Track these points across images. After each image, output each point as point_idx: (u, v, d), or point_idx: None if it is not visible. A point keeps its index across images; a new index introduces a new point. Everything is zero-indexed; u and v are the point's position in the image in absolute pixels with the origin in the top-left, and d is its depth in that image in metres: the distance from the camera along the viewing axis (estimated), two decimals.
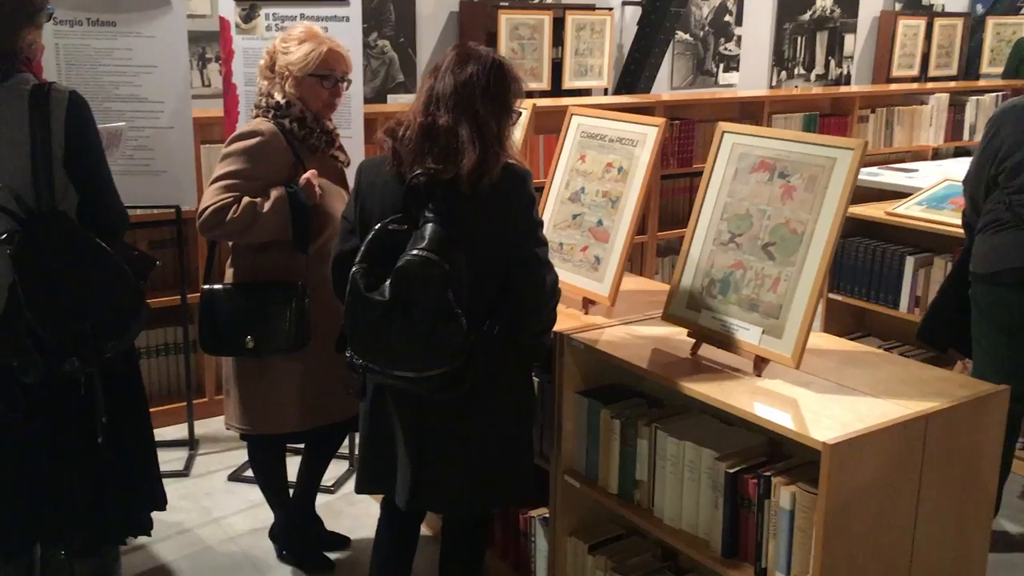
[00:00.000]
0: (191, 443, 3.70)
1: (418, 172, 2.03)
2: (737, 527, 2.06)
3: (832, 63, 8.76)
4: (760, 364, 2.14)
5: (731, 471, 2.05)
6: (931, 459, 1.95)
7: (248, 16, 3.32)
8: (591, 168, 2.66)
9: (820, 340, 2.35)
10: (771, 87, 8.36)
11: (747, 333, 2.15)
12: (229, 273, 2.63)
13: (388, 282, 1.96)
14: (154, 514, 2.55)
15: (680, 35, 7.51)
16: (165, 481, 3.38)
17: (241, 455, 3.64)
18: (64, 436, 2.20)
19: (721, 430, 2.22)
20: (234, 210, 2.41)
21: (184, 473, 3.52)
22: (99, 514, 2.27)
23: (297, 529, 2.91)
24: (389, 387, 2.15)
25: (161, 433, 3.81)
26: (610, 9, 6.94)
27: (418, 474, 2.17)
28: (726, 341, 2.20)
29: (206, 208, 2.43)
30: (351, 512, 3.27)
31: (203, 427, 3.86)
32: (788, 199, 2.14)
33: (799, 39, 8.49)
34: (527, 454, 2.31)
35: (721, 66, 8.04)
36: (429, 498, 2.22)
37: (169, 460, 3.61)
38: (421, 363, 2.02)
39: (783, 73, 8.47)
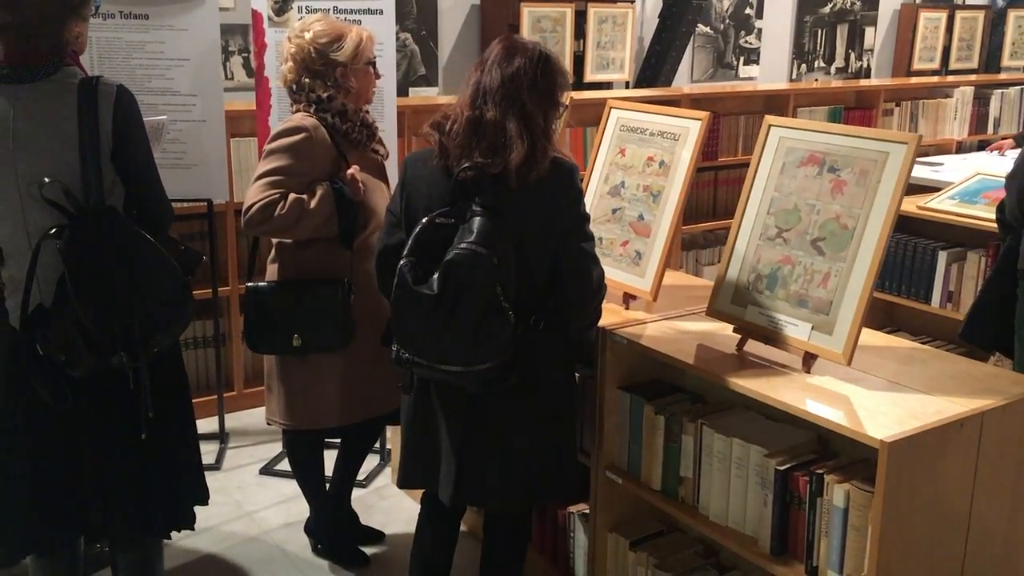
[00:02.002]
0: (222, 436, 3.70)
1: (466, 166, 2.02)
2: (787, 524, 2.04)
3: (852, 56, 8.70)
4: (809, 360, 2.12)
5: (781, 468, 2.03)
6: (985, 457, 1.93)
7: (281, 9, 3.31)
8: (631, 162, 2.63)
9: (865, 336, 2.32)
10: (791, 80, 8.31)
11: (796, 329, 2.13)
12: (272, 270, 2.62)
13: (436, 275, 1.95)
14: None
15: (700, 28, 7.47)
16: None
17: (271, 448, 3.65)
18: (108, 429, 2.20)
19: (767, 427, 2.21)
20: (281, 206, 2.40)
21: (216, 467, 3.52)
22: (142, 508, 2.27)
23: (333, 523, 2.91)
24: (434, 381, 2.14)
25: None
26: (632, 2, 6.90)
27: (462, 469, 2.16)
28: (774, 337, 2.18)
29: (252, 205, 2.42)
30: (384, 506, 3.26)
31: (233, 420, 3.86)
32: (838, 194, 2.11)
33: (819, 32, 8.44)
34: (571, 449, 2.30)
35: (741, 59, 8.00)
36: (473, 493, 2.21)
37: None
38: (468, 357, 2.00)
39: (803, 66, 8.42)
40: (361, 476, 3.34)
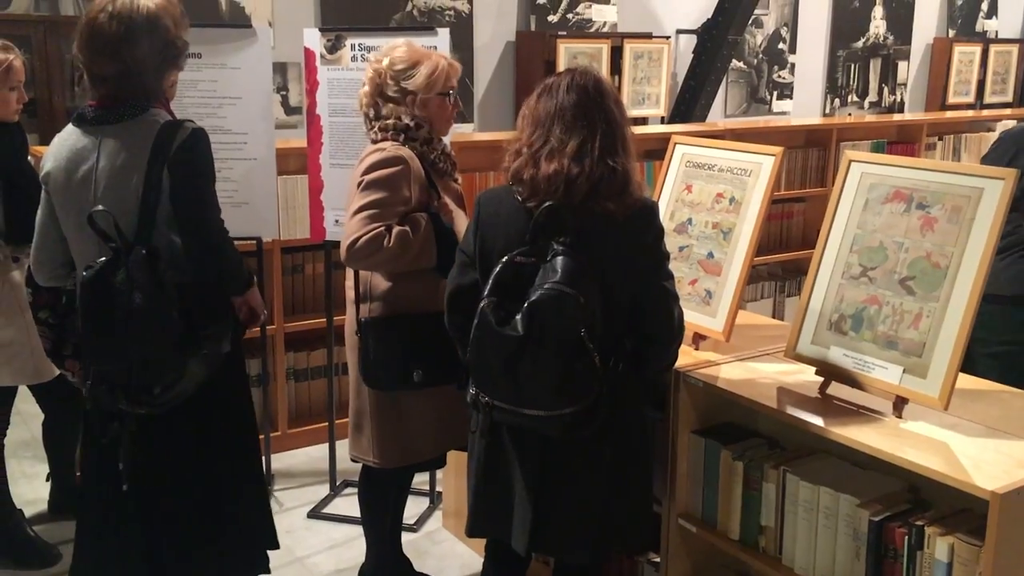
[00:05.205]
0: (267, 478, 3.63)
1: (548, 204, 1.96)
2: None
3: (886, 90, 8.66)
4: (900, 405, 2.03)
5: (876, 519, 1.94)
6: None
7: (334, 47, 3.29)
8: (699, 199, 2.57)
9: None
10: (824, 115, 8.27)
11: (885, 372, 2.04)
12: (372, 307, 2.52)
13: (519, 316, 1.89)
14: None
15: (734, 63, 7.45)
16: None
17: (318, 491, 3.57)
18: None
19: (853, 474, 2.11)
20: (387, 240, 2.34)
21: None
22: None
23: (391, 569, 2.82)
24: (511, 426, 2.06)
25: None
26: (667, 37, 6.89)
27: (538, 516, 2.08)
28: (860, 380, 2.09)
29: (358, 238, 2.33)
30: (437, 552, 3.17)
31: (277, 461, 3.79)
32: (928, 231, 2.04)
33: (852, 66, 8.41)
34: (648, 496, 2.22)
35: (775, 94, 7.96)
36: (549, 542, 2.12)
37: None
38: (553, 400, 1.93)
39: (836, 100, 8.38)
40: (411, 520, 3.27)
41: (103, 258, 2.03)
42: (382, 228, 2.34)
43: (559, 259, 1.90)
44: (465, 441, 2.47)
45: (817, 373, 2.19)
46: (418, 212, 2.43)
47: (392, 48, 2.54)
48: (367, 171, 2.41)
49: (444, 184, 2.55)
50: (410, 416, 2.54)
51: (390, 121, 2.47)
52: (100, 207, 2.00)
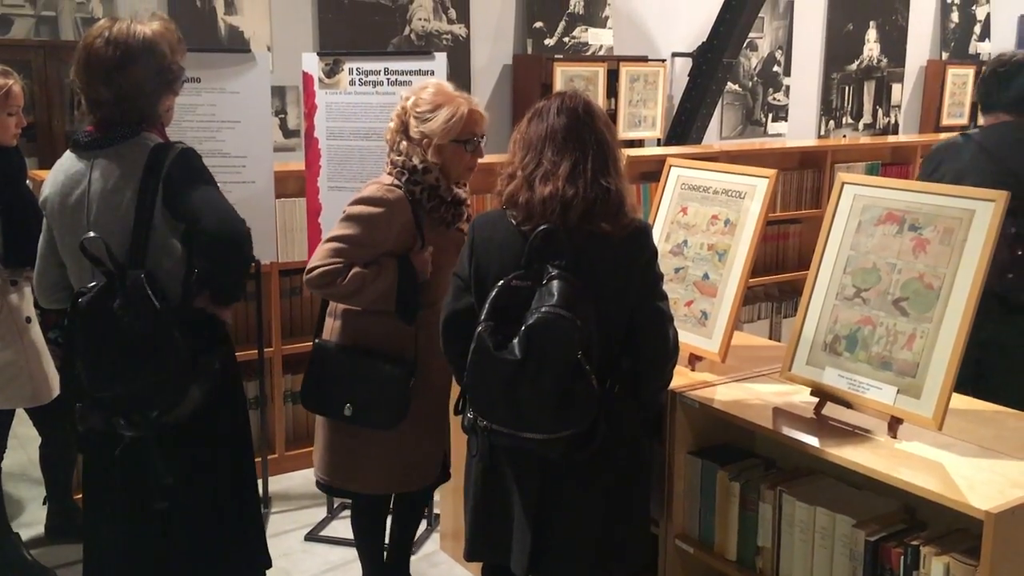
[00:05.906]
0: (264, 501, 3.62)
1: (544, 227, 1.97)
2: None
3: (880, 112, 8.72)
4: (895, 425, 2.04)
5: (872, 539, 1.94)
6: None
7: (332, 71, 3.32)
8: (694, 221, 2.59)
9: None
10: (819, 136, 8.32)
11: (880, 392, 2.05)
12: (335, 327, 2.54)
13: (517, 340, 1.90)
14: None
15: (729, 85, 7.51)
16: None
17: (316, 513, 3.57)
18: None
19: (848, 494, 2.12)
20: (341, 278, 2.35)
21: None
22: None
23: None
24: (509, 449, 2.07)
25: None
26: (663, 60, 6.95)
27: (538, 539, 2.08)
28: (855, 400, 2.10)
29: (315, 268, 2.36)
30: (434, 574, 3.17)
31: (274, 484, 3.78)
32: (921, 252, 2.06)
33: (847, 88, 8.47)
34: (645, 517, 2.22)
35: (770, 116, 8.02)
36: (549, 564, 2.12)
37: None
38: (552, 424, 1.94)
39: (831, 122, 8.44)
40: None
41: (93, 283, 2.03)
42: (341, 265, 2.35)
43: (555, 282, 1.91)
44: (419, 485, 2.55)
45: (812, 394, 2.20)
46: (394, 255, 2.42)
47: (422, 88, 2.52)
48: (353, 203, 2.43)
49: (440, 232, 2.51)
50: (359, 445, 2.52)
51: (400, 158, 2.47)
52: (91, 233, 2.01)
